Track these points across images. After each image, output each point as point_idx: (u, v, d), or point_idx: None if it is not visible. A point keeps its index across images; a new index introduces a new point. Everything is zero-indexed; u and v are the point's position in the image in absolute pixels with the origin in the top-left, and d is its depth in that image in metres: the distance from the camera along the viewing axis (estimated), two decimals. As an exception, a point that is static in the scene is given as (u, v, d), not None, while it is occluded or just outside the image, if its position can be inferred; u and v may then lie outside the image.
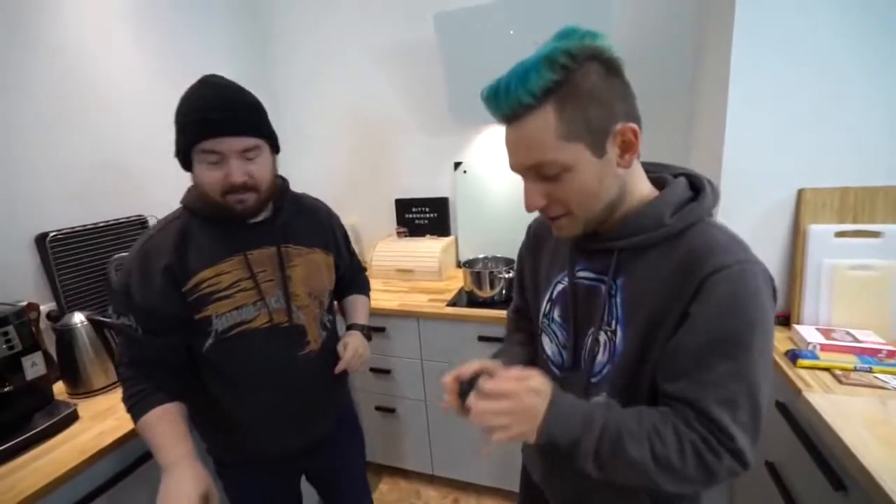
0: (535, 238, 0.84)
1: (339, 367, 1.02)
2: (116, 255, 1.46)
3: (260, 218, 0.95)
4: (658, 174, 0.67)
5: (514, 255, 1.76)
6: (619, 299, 0.64)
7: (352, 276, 1.22)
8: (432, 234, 2.12)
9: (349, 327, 1.13)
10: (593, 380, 0.67)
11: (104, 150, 1.52)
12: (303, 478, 1.19)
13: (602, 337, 0.65)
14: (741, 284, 0.55)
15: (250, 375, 0.95)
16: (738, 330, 0.54)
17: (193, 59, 1.83)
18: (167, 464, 0.82)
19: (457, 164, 2.03)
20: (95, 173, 1.50)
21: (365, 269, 1.31)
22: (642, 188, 0.64)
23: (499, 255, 1.84)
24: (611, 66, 0.57)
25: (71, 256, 1.39)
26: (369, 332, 1.15)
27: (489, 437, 0.58)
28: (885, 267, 1.17)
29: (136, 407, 0.87)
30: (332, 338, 1.08)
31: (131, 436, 1.05)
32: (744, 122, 1.24)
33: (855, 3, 1.11)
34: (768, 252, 1.28)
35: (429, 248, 1.96)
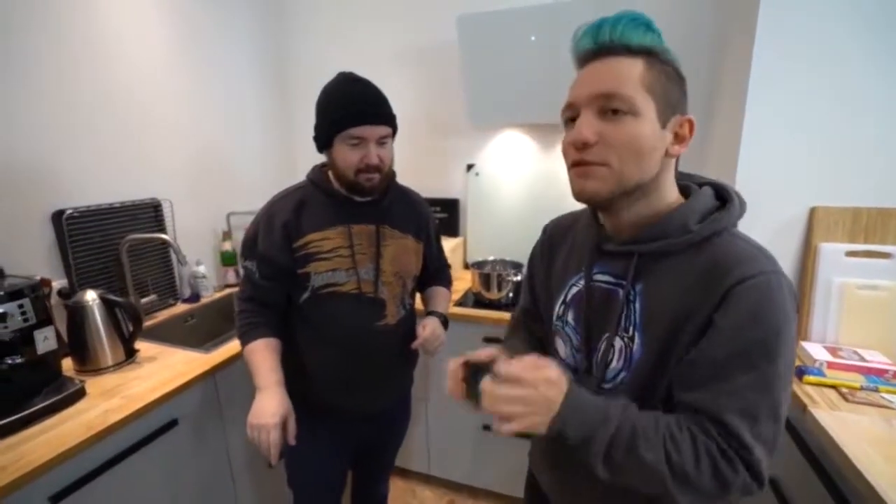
0: (551, 238, 0.82)
1: (416, 343, 1.11)
2: (130, 236, 1.47)
3: (368, 198, 1.06)
4: (683, 183, 0.67)
5: (522, 258, 1.77)
6: (637, 305, 0.63)
7: (436, 269, 1.31)
8: (442, 233, 2.12)
9: (429, 314, 1.21)
10: (605, 385, 0.66)
11: (124, 132, 1.54)
12: None
13: (618, 343, 0.64)
14: (767, 295, 0.54)
15: (332, 332, 1.07)
16: (764, 341, 0.54)
17: (213, 53, 1.85)
18: (262, 385, 1.00)
19: (469, 166, 2.04)
20: (114, 155, 1.51)
21: (449, 266, 1.39)
22: (670, 193, 0.64)
23: (507, 259, 1.84)
24: (679, 76, 0.62)
25: (85, 235, 1.40)
26: (447, 320, 1.22)
27: (499, 426, 0.57)
28: (894, 288, 1.17)
29: (245, 335, 1.07)
30: (409, 319, 1.17)
31: (137, 415, 1.06)
32: (759, 137, 1.25)
33: (877, 23, 1.13)
34: (778, 268, 1.28)
35: (437, 248, 1.97)
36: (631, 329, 0.63)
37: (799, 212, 1.27)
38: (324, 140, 1.02)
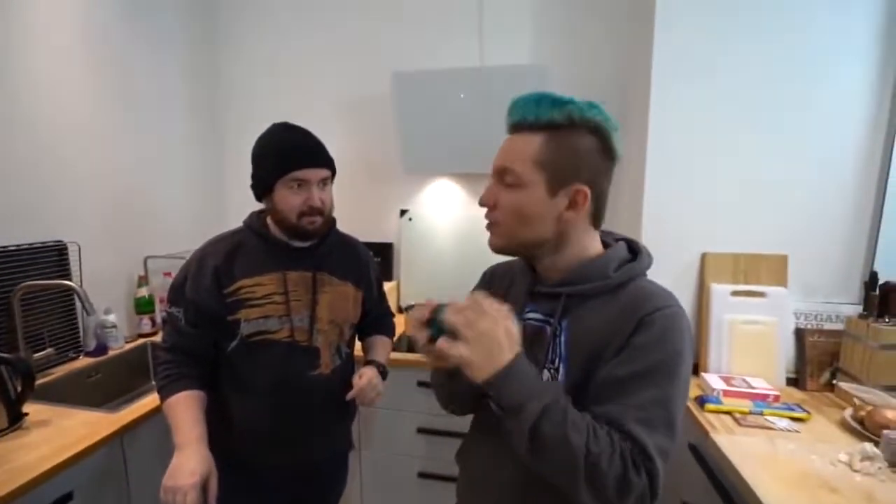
0: (490, 282, 0.88)
1: (352, 394, 1.07)
2: (25, 283, 1.32)
3: (305, 245, 1.07)
4: (604, 238, 0.77)
5: (456, 300, 1.83)
6: (563, 339, 0.70)
7: (377, 316, 1.29)
8: (376, 277, 2.13)
9: (367, 363, 1.17)
10: None
11: (26, 166, 1.41)
12: None
13: (546, 374, 0.71)
14: (673, 323, 0.64)
15: (262, 381, 1.04)
16: (665, 361, 0.62)
17: (141, 94, 1.79)
18: (181, 443, 0.94)
19: (403, 212, 2.10)
20: (11, 192, 1.38)
21: (393, 315, 1.37)
22: (590, 246, 0.73)
23: (442, 302, 1.88)
24: (606, 153, 0.69)
25: (-31, 283, 1.24)
26: (385, 370, 1.19)
27: (445, 343, 0.60)
28: (770, 322, 1.37)
29: (166, 388, 1.00)
30: (346, 368, 1.15)
31: (21, 491, 0.92)
32: (659, 194, 1.46)
33: (745, 103, 1.38)
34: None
35: (372, 292, 1.96)
36: (556, 360, 0.70)
37: (693, 257, 1.46)
38: (264, 186, 1.03)
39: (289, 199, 1.00)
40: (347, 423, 1.23)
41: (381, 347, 1.25)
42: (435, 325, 0.63)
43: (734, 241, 1.43)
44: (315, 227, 1.03)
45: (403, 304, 2.04)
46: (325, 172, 1.04)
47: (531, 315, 0.75)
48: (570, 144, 0.67)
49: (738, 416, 1.18)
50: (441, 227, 2.06)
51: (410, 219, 2.09)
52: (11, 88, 1.37)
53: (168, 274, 1.85)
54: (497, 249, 0.74)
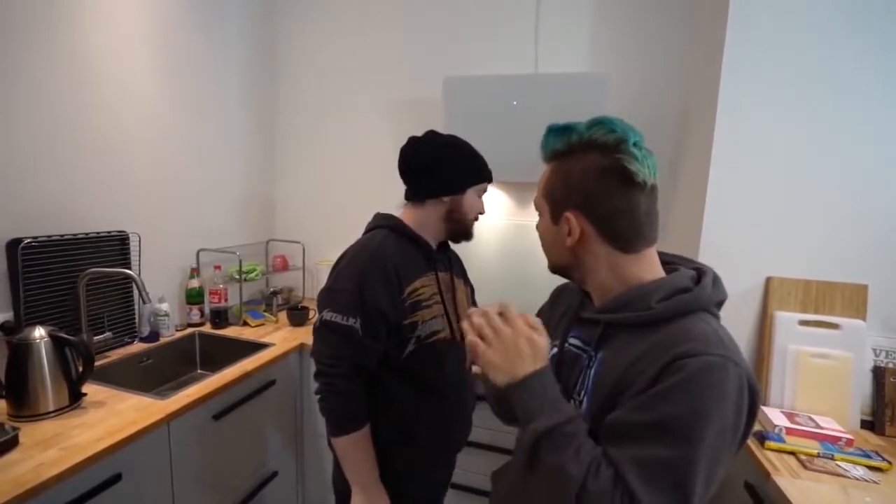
0: (554, 300, 0.86)
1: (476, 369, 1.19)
2: (91, 270, 1.40)
3: (436, 246, 1.14)
4: (676, 265, 0.69)
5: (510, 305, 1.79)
6: (592, 371, 0.65)
7: None
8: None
9: None
10: None
11: (96, 160, 1.50)
12: None
13: (571, 404, 0.66)
14: (703, 375, 0.53)
15: (447, 381, 1.09)
16: (682, 418, 0.52)
17: (202, 92, 1.87)
18: (363, 483, 1.02)
19: (447, 217, 2.08)
20: (83, 183, 1.47)
21: None
22: (643, 273, 0.65)
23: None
24: (608, 163, 0.62)
25: (41, 266, 1.32)
26: None
27: (475, 348, 0.63)
28: (843, 358, 1.25)
29: (348, 420, 1.00)
30: None
31: (75, 470, 0.96)
32: (722, 208, 1.36)
33: (823, 116, 1.27)
34: (738, 334, 1.35)
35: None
36: (582, 393, 0.66)
37: (756, 281, 1.35)
38: (454, 186, 1.09)
39: (475, 202, 1.11)
40: None
41: None
42: None
43: (803, 266, 1.32)
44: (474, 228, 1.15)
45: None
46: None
47: (573, 341, 0.71)
48: (564, 171, 0.66)
49: (803, 457, 1.08)
50: (485, 234, 2.02)
51: (453, 224, 2.07)
52: (85, 85, 1.45)
53: (218, 267, 1.91)
54: (550, 268, 0.75)
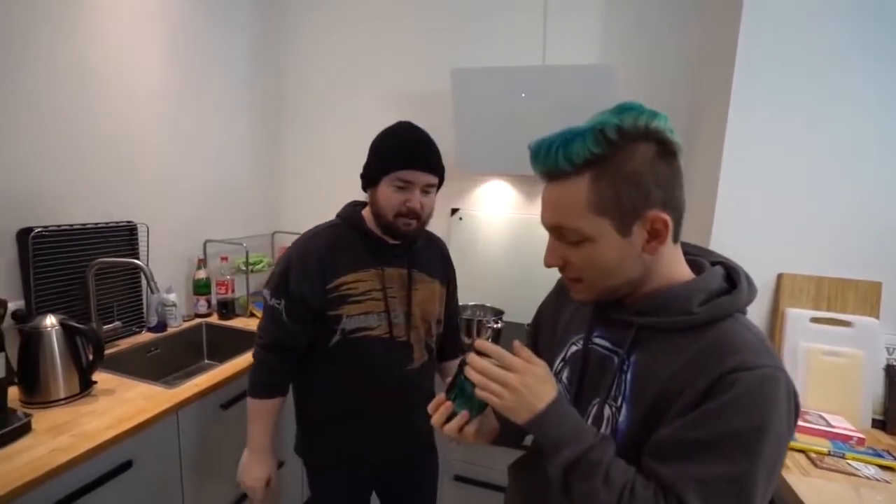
0: (562, 293, 0.80)
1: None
2: (100, 259, 1.41)
3: (398, 241, 1.07)
4: (696, 257, 0.66)
5: (503, 305, 1.79)
6: (629, 375, 0.62)
7: (452, 328, 1.27)
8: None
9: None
10: None
11: (105, 149, 1.50)
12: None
13: (607, 411, 0.64)
14: (760, 389, 0.52)
15: (363, 377, 1.07)
16: (744, 434, 0.51)
17: (209, 84, 1.87)
18: (253, 447, 1.08)
19: (454, 210, 2.07)
20: (92, 173, 1.47)
21: (459, 314, 1.37)
22: (675, 271, 0.63)
23: (487, 304, 1.85)
24: (665, 150, 0.57)
25: (51, 255, 1.33)
26: None
27: (482, 394, 0.60)
28: (855, 356, 1.23)
29: (260, 390, 1.07)
30: (431, 363, 1.18)
31: (87, 456, 0.97)
32: (733, 203, 1.34)
33: (831, 109, 1.25)
34: (749, 330, 1.34)
35: (418, 289, 1.96)
36: (619, 399, 0.62)
37: (768, 278, 1.34)
38: (371, 178, 1.03)
39: (390, 196, 1.00)
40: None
41: None
42: (458, 384, 0.65)
43: (815, 262, 1.30)
44: (409, 229, 1.03)
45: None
46: (431, 178, 1.02)
47: (598, 341, 0.68)
48: (625, 171, 0.56)
49: (814, 456, 1.07)
50: (492, 228, 2.02)
51: (461, 218, 2.06)
52: (93, 76, 1.46)
53: (225, 258, 1.92)
54: (586, 302, 0.67)
